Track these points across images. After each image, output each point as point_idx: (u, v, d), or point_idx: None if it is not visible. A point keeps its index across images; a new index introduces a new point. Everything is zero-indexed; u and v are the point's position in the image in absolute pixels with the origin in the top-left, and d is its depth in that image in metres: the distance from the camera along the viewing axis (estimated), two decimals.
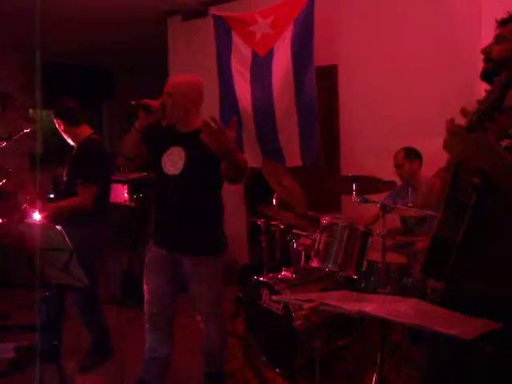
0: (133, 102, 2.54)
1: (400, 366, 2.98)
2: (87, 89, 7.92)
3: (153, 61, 6.11)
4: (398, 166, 3.85)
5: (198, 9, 5.50)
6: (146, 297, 2.70)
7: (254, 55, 4.68)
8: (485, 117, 1.42)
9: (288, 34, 4.44)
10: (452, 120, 1.52)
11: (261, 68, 4.64)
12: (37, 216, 2.99)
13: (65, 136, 3.30)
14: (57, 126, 3.29)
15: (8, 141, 3.50)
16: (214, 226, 2.65)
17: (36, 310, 3.38)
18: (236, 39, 4.77)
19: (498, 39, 1.62)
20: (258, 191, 4.83)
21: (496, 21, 1.67)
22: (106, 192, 3.33)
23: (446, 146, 1.50)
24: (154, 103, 2.51)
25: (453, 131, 1.48)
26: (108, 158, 3.35)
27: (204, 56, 5.23)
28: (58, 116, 3.27)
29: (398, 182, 3.80)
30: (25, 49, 7.02)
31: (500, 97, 1.40)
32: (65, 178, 3.29)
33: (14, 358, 3.26)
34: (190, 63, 5.65)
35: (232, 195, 5.49)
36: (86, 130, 3.31)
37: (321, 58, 4.38)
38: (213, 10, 5.00)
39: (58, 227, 2.03)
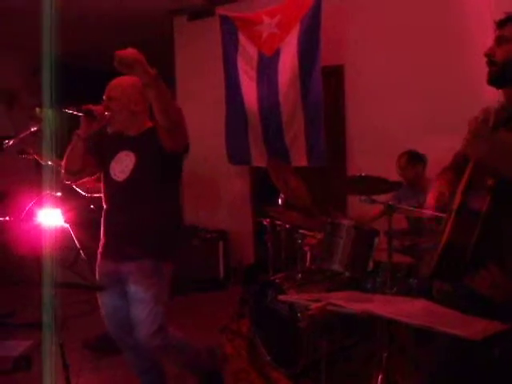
0: (71, 109, 2.38)
1: (405, 366, 2.97)
2: (94, 91, 7.94)
3: (159, 61, 6.10)
4: (400, 170, 3.84)
5: (204, 8, 5.51)
6: (106, 326, 2.54)
7: (261, 55, 4.68)
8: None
9: (294, 34, 4.44)
10: (476, 119, 1.46)
11: (267, 68, 4.64)
12: (48, 215, 3.00)
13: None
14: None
15: (14, 139, 3.51)
16: (163, 231, 2.44)
17: (40, 308, 3.40)
18: (242, 39, 4.78)
19: (500, 41, 1.58)
20: (263, 191, 4.83)
21: (494, 22, 1.64)
22: None
23: (468, 146, 1.44)
24: (97, 108, 2.37)
25: (476, 132, 1.43)
26: None
27: (210, 56, 5.24)
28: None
29: (404, 184, 3.79)
30: (32, 49, 7.07)
31: None
32: None
33: (20, 356, 3.27)
34: (196, 63, 5.66)
35: (238, 195, 5.51)
36: None
37: (327, 57, 4.38)
38: (219, 10, 5.01)
39: (66, 226, 2.03)
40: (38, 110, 3.34)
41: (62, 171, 2.51)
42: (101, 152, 2.51)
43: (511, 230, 1.50)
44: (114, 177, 2.43)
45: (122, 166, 2.41)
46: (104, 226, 2.50)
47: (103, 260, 2.49)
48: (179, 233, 2.57)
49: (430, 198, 1.80)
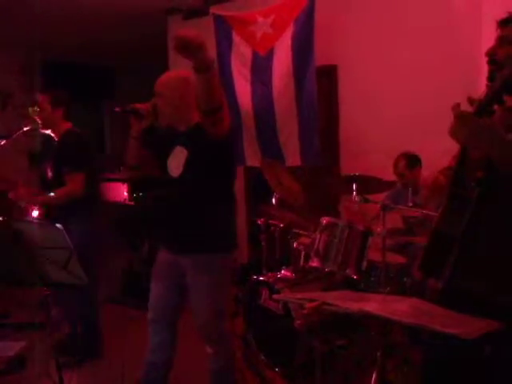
0: (117, 109, 2.45)
1: (399, 366, 2.98)
2: (87, 88, 7.93)
3: (153, 59, 6.11)
4: (399, 174, 3.83)
5: (199, 8, 5.50)
6: (150, 301, 2.63)
7: (255, 55, 4.68)
8: (489, 105, 1.42)
9: (288, 34, 4.44)
10: (458, 105, 1.50)
11: (261, 67, 4.64)
12: (35, 214, 3.02)
13: (44, 125, 3.37)
14: (38, 113, 3.34)
15: (8, 139, 3.50)
16: (220, 224, 2.52)
17: (35, 309, 3.40)
18: (236, 38, 4.77)
19: (502, 41, 1.60)
20: (257, 190, 4.84)
21: (496, 21, 1.65)
22: (94, 183, 3.43)
23: (452, 130, 1.47)
24: (143, 106, 2.42)
25: (459, 116, 1.46)
26: (90, 149, 3.50)
27: None
28: (46, 93, 3.39)
29: (399, 182, 3.81)
30: (25, 47, 7.04)
31: (500, 90, 1.41)
32: (49, 174, 3.40)
33: (14, 356, 3.26)
34: (190, 62, 5.65)
35: None
36: (66, 125, 3.42)
37: (321, 57, 4.38)
38: (213, 9, 4.99)
39: (58, 225, 2.03)
40: (30, 109, 3.34)
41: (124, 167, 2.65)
42: (157, 148, 2.57)
43: (498, 224, 1.52)
44: (170, 173, 2.49)
45: (176, 161, 2.45)
46: (164, 220, 2.62)
47: (164, 251, 2.61)
48: (234, 226, 2.62)
49: (427, 178, 1.84)
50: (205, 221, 2.47)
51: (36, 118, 3.33)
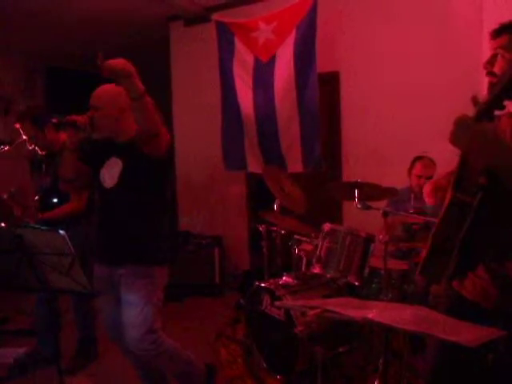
0: (54, 120, 2.44)
1: (401, 373, 2.97)
2: (88, 94, 7.94)
3: (155, 66, 6.13)
4: (423, 177, 3.68)
5: (201, 14, 5.52)
6: (106, 328, 2.60)
7: (257, 61, 4.69)
8: (489, 110, 1.42)
9: (290, 40, 4.46)
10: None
11: (263, 74, 4.65)
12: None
13: (40, 148, 3.34)
14: (23, 133, 3.29)
15: (10, 145, 3.51)
16: (153, 236, 2.49)
17: (34, 315, 3.40)
18: (238, 45, 4.79)
19: (498, 53, 1.60)
20: (259, 197, 4.84)
21: (489, 33, 1.65)
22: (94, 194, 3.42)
23: (452, 136, 1.47)
24: (80, 118, 2.37)
25: (459, 121, 1.46)
26: None
27: (206, 61, 5.26)
28: (26, 120, 3.28)
29: (399, 188, 3.79)
30: (28, 53, 7.06)
31: (500, 95, 1.41)
32: (48, 184, 3.36)
33: (14, 363, 3.26)
34: (191, 68, 5.68)
35: (234, 201, 5.51)
36: (60, 137, 3.34)
37: (323, 64, 4.39)
38: (215, 16, 5.01)
39: (61, 232, 2.02)
40: (18, 125, 3.32)
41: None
42: (93, 159, 2.55)
43: (499, 229, 1.51)
44: (103, 183, 2.48)
45: (111, 172, 2.45)
46: (97, 232, 2.58)
47: (98, 264, 2.56)
48: (170, 238, 2.61)
49: (428, 186, 1.83)
50: (137, 232, 2.45)
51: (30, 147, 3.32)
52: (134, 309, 2.40)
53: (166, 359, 2.54)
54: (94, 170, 2.53)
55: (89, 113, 2.41)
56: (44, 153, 3.37)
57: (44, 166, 3.42)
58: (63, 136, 3.32)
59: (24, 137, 3.34)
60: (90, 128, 2.39)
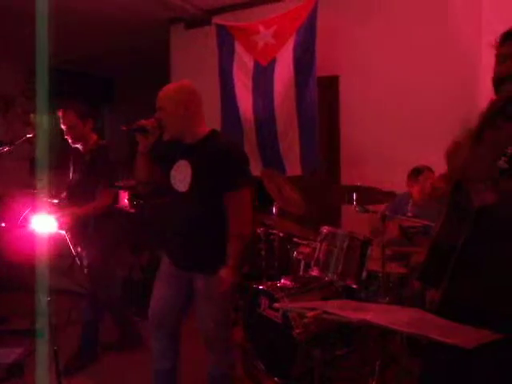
0: (123, 128, 2.44)
1: (398, 376, 2.98)
2: (89, 95, 7.96)
3: (155, 68, 6.15)
4: (415, 186, 3.68)
5: (201, 17, 5.55)
6: (151, 308, 2.61)
7: (256, 64, 4.71)
8: (490, 121, 1.43)
9: (290, 44, 4.48)
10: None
11: (262, 77, 4.67)
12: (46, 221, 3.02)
13: (75, 140, 3.36)
14: (63, 121, 3.32)
15: (10, 146, 3.52)
16: (223, 243, 2.46)
17: (33, 315, 3.39)
18: (238, 48, 4.80)
19: (500, 59, 1.60)
20: (257, 200, 4.84)
21: (495, 41, 1.65)
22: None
23: (447, 154, 1.49)
24: (148, 122, 2.40)
25: (458, 142, 1.48)
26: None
27: (206, 64, 5.27)
28: (70, 109, 3.32)
29: (398, 192, 3.81)
30: (28, 54, 7.07)
31: (505, 105, 1.41)
32: (75, 182, 3.41)
33: (13, 363, 3.26)
34: (191, 71, 5.69)
35: None
36: (94, 136, 3.42)
37: (322, 68, 4.41)
38: (215, 19, 5.04)
39: (62, 232, 2.04)
40: (32, 116, 3.35)
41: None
42: (163, 161, 2.55)
43: (498, 235, 1.52)
44: (174, 186, 2.48)
45: (181, 176, 2.45)
46: (170, 236, 2.57)
47: (173, 266, 2.56)
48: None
49: (427, 186, 1.84)
50: (216, 239, 2.44)
51: (66, 136, 3.33)
52: (213, 308, 2.47)
53: (229, 360, 2.61)
54: (165, 172, 2.54)
55: (156, 115, 2.43)
56: (75, 145, 3.38)
57: (71, 164, 3.45)
58: (94, 137, 3.41)
59: (28, 135, 3.34)
60: (159, 130, 2.41)
